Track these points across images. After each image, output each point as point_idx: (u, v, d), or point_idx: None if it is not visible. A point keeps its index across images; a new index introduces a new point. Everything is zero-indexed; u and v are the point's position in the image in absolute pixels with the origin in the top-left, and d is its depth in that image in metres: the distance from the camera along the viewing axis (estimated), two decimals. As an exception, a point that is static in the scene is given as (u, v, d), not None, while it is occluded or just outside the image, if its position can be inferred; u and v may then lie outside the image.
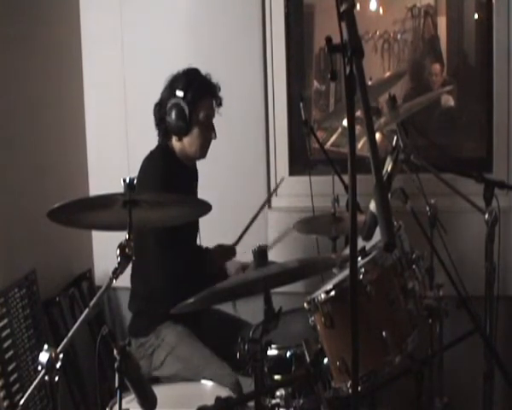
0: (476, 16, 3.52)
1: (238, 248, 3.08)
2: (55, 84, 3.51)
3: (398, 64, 3.67)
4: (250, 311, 2.72)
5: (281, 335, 2.27)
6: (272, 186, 3.61)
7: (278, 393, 2.17)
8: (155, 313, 2.85)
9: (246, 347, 1.98)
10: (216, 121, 2.92)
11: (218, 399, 1.95)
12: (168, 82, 2.86)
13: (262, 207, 3.25)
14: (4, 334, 2.91)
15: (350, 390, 2.07)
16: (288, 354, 2.38)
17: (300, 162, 3.58)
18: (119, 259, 1.82)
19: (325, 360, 2.13)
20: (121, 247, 1.83)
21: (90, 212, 1.96)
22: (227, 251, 3.06)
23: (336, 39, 1.30)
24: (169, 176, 2.80)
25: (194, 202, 2.33)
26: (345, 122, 3.33)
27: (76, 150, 3.74)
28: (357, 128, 1.32)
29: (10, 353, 2.92)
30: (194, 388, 2.40)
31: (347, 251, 1.38)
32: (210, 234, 3.03)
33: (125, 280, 2.28)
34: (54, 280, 3.40)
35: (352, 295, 1.35)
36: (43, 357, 1.66)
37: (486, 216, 2.48)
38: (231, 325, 2.95)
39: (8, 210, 3.08)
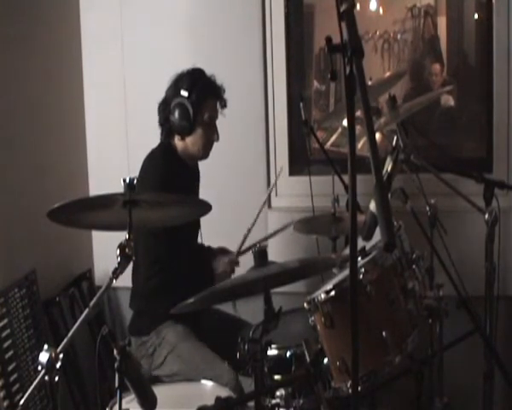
0: (476, 16, 3.52)
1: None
2: (55, 84, 3.51)
3: (398, 64, 3.67)
4: (250, 311, 2.72)
5: (281, 335, 2.27)
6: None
7: (278, 393, 2.17)
8: (156, 313, 2.85)
9: (246, 347, 1.98)
10: (217, 121, 2.92)
11: (218, 399, 1.95)
12: (173, 81, 2.86)
13: (263, 206, 3.24)
14: (4, 334, 2.91)
15: (350, 390, 2.07)
16: (288, 354, 2.37)
17: (300, 162, 3.58)
18: (119, 259, 1.82)
19: (325, 360, 2.13)
20: (121, 247, 1.83)
21: (90, 212, 1.96)
22: (229, 262, 3.01)
23: (336, 39, 1.30)
24: (170, 175, 2.80)
25: (194, 202, 2.34)
26: (345, 122, 3.33)
27: (76, 150, 3.74)
28: (357, 128, 1.32)
29: (10, 353, 2.92)
30: (194, 388, 2.40)
31: (347, 251, 1.38)
32: (210, 234, 3.03)
33: (125, 280, 2.27)
34: (54, 280, 3.40)
35: (352, 295, 1.35)
36: (43, 357, 1.66)
37: (486, 216, 2.48)
38: (231, 325, 2.95)
39: (8, 210, 3.08)
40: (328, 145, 3.70)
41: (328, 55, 1.31)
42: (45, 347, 1.69)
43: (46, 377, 1.66)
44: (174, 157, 2.89)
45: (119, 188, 1.89)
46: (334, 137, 3.76)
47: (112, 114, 3.74)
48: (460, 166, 3.09)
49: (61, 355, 1.68)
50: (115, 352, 1.76)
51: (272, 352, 2.38)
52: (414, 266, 2.29)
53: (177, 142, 2.89)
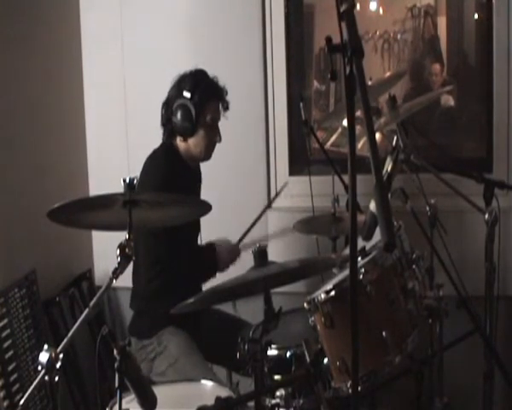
0: (476, 16, 3.52)
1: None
2: (55, 84, 3.51)
3: (398, 64, 3.67)
4: (250, 311, 2.72)
5: (281, 335, 2.27)
6: (272, 186, 3.62)
7: (278, 393, 2.17)
8: (157, 314, 2.84)
9: (246, 347, 1.98)
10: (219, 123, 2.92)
11: (218, 399, 1.95)
12: (175, 82, 2.86)
13: (265, 209, 3.24)
14: (4, 334, 2.91)
15: (350, 390, 2.07)
16: (288, 354, 2.37)
17: (300, 162, 3.58)
18: (119, 259, 1.82)
19: (325, 360, 2.13)
20: (121, 247, 1.83)
21: (90, 212, 1.96)
22: (232, 250, 3.02)
23: (336, 39, 1.30)
24: (171, 175, 2.80)
25: (195, 202, 2.33)
26: (345, 122, 3.33)
27: (76, 150, 3.74)
28: (357, 128, 1.32)
29: (10, 353, 2.92)
30: (194, 388, 2.40)
31: (347, 251, 1.38)
32: (210, 234, 3.03)
33: (125, 280, 2.27)
34: (54, 280, 3.40)
35: (352, 295, 1.35)
36: (43, 357, 1.66)
37: (486, 216, 2.47)
38: (231, 325, 2.94)
39: (8, 210, 3.08)
40: (328, 145, 3.70)
41: (328, 55, 1.31)
42: (45, 347, 1.69)
43: (46, 377, 1.66)
44: (176, 158, 2.89)
45: (119, 188, 1.89)
46: (334, 137, 3.76)
47: (112, 114, 3.74)
48: (460, 166, 3.09)
49: (61, 355, 1.68)
50: (115, 352, 1.76)
51: (272, 352, 2.38)
52: (414, 266, 2.29)
53: (179, 143, 2.89)
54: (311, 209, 3.21)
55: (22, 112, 3.22)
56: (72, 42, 3.71)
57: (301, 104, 3.06)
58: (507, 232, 2.95)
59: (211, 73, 2.89)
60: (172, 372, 2.76)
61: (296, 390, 2.26)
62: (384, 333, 2.05)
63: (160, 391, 1.91)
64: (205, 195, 2.97)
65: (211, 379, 2.41)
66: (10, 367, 2.91)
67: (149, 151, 2.93)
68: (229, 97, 2.93)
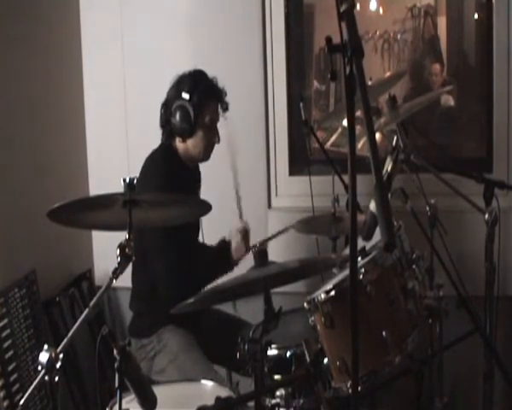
0: (476, 16, 3.52)
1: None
2: (55, 84, 3.51)
3: (398, 64, 3.66)
4: (250, 311, 2.72)
5: (281, 335, 2.26)
6: (272, 186, 3.62)
7: (278, 393, 2.17)
8: (156, 314, 2.84)
9: (246, 347, 1.98)
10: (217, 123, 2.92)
11: (218, 399, 1.95)
12: (174, 83, 2.85)
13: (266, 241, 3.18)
14: (4, 334, 2.91)
15: (350, 390, 2.07)
16: (288, 354, 2.37)
17: (300, 162, 3.58)
18: (119, 259, 1.82)
19: (325, 360, 2.13)
20: (121, 247, 1.83)
21: (90, 212, 1.96)
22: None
23: (336, 39, 1.30)
24: (170, 176, 2.80)
25: (195, 202, 2.33)
26: (345, 122, 3.32)
27: (76, 150, 3.74)
28: (357, 128, 1.32)
29: (10, 353, 2.92)
30: (194, 388, 2.40)
31: (347, 251, 1.38)
32: (210, 234, 3.03)
33: (125, 280, 2.27)
34: (54, 280, 3.40)
35: (352, 295, 1.35)
36: (43, 357, 1.66)
37: (486, 216, 2.47)
38: (231, 325, 2.95)
39: (8, 210, 3.08)
40: (328, 145, 3.69)
41: (328, 55, 1.31)
42: (45, 347, 1.69)
43: (46, 377, 1.66)
44: (175, 159, 2.89)
45: (119, 188, 1.89)
46: (334, 137, 3.76)
47: (112, 114, 3.74)
48: (460, 166, 3.08)
49: (61, 355, 1.68)
50: (115, 352, 1.76)
51: (272, 352, 2.38)
52: (414, 266, 2.29)
53: (178, 144, 2.89)
54: (311, 209, 3.21)
55: (22, 112, 3.22)
56: (72, 42, 3.71)
57: (301, 104, 3.06)
58: (507, 232, 2.95)
59: (211, 73, 2.89)
60: (173, 369, 2.76)
61: (296, 390, 2.26)
62: (384, 333, 2.05)
63: (159, 391, 1.91)
64: (205, 194, 2.96)
65: (211, 378, 2.41)
66: (10, 367, 2.91)
67: (149, 151, 2.93)
68: (229, 97, 2.93)
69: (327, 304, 2.09)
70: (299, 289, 2.69)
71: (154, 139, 2.94)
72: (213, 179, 3.17)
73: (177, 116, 2.80)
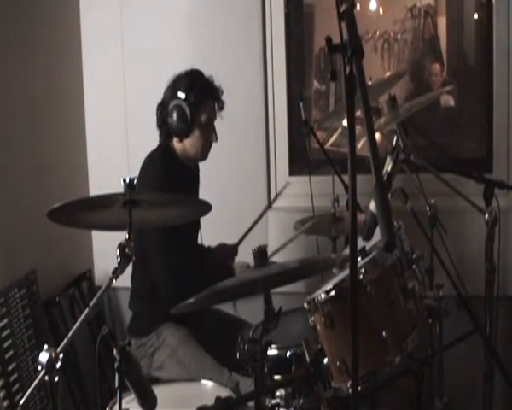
0: (476, 16, 3.52)
1: (240, 249, 3.08)
2: (55, 84, 3.51)
3: (398, 64, 3.67)
4: (250, 311, 2.72)
5: (281, 335, 2.26)
6: (272, 186, 3.62)
7: (278, 393, 2.17)
8: (156, 314, 2.85)
9: (246, 347, 1.98)
10: (216, 121, 2.92)
11: (218, 399, 1.95)
12: (170, 83, 2.86)
13: (265, 210, 3.23)
14: (4, 334, 2.91)
15: (350, 390, 2.07)
16: (288, 354, 2.37)
17: (300, 162, 3.58)
18: (119, 259, 1.82)
19: (325, 360, 2.13)
20: (121, 247, 1.83)
21: (90, 212, 1.96)
22: (229, 250, 3.06)
23: (336, 39, 1.30)
24: (169, 176, 2.80)
25: (194, 202, 2.33)
26: (345, 122, 3.32)
27: (76, 150, 3.74)
28: (357, 128, 1.32)
29: (10, 353, 2.92)
30: (194, 388, 2.40)
31: (347, 251, 1.38)
32: (210, 234, 3.03)
33: (125, 280, 2.28)
34: (54, 280, 3.40)
35: (352, 295, 1.35)
36: (43, 357, 1.66)
37: (486, 216, 2.47)
38: (231, 325, 2.95)
39: (8, 210, 3.08)
40: (328, 145, 3.70)
41: (328, 55, 1.31)
42: (45, 347, 1.69)
43: (46, 377, 1.66)
44: (173, 159, 2.89)
45: (119, 188, 1.89)
46: (334, 137, 3.76)
47: (112, 114, 3.74)
48: (460, 166, 3.08)
49: (61, 355, 1.68)
50: (115, 352, 1.76)
51: (272, 352, 2.38)
52: (414, 266, 2.29)
53: (176, 143, 2.89)
54: (311, 209, 3.21)
55: (22, 112, 3.22)
56: (72, 42, 3.71)
57: (301, 104, 3.06)
58: (507, 232, 2.95)
59: (211, 73, 2.89)
60: (172, 363, 2.77)
61: (296, 390, 2.26)
62: (384, 333, 2.05)
63: (159, 391, 1.91)
64: (205, 195, 2.95)
65: (210, 370, 2.40)
66: (10, 367, 2.90)
67: (149, 151, 2.93)
68: (229, 97, 2.93)
69: (327, 304, 2.09)
70: (299, 289, 2.69)
71: (154, 139, 2.94)
72: (213, 179, 3.17)
73: (174, 116, 2.80)
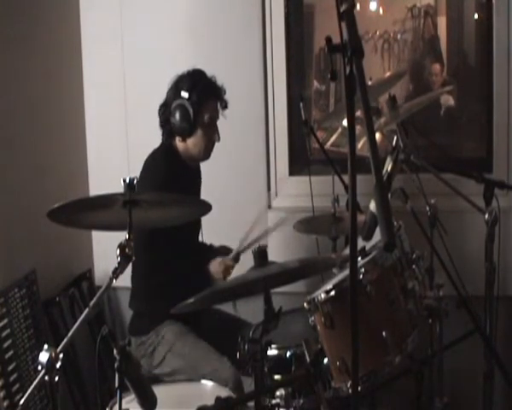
0: (476, 16, 3.52)
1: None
2: (55, 84, 3.51)
3: (398, 64, 3.66)
4: (250, 311, 2.72)
5: (281, 335, 2.26)
6: (272, 186, 3.62)
7: (278, 393, 2.17)
8: (156, 313, 2.85)
9: (246, 347, 1.98)
10: (217, 122, 2.92)
11: (218, 399, 1.95)
12: (173, 82, 2.86)
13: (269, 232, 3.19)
14: (4, 334, 2.91)
15: (350, 390, 2.07)
16: (288, 354, 2.37)
17: (300, 162, 3.58)
18: (119, 259, 1.82)
19: (325, 360, 2.13)
20: (121, 247, 1.83)
21: (90, 212, 1.96)
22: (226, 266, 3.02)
23: (336, 39, 1.30)
24: (171, 175, 2.80)
25: (194, 202, 2.33)
26: (345, 122, 3.32)
27: (76, 150, 3.74)
28: (357, 128, 1.32)
29: (10, 353, 2.92)
30: (194, 388, 2.40)
31: (347, 251, 1.38)
32: (210, 234, 3.03)
33: (125, 280, 2.28)
34: (54, 280, 3.40)
35: (352, 295, 1.35)
36: (43, 357, 1.66)
37: (486, 216, 2.47)
38: (231, 324, 2.95)
39: (8, 210, 3.08)
40: (328, 145, 3.69)
41: (328, 55, 1.31)
42: (45, 347, 1.69)
43: (46, 377, 1.66)
44: (175, 158, 2.89)
45: (119, 188, 1.89)
46: (334, 137, 3.76)
47: (112, 114, 3.74)
48: (460, 166, 3.08)
49: (61, 355, 1.68)
50: (115, 352, 1.76)
51: (272, 352, 2.38)
52: (414, 266, 2.29)
53: (178, 143, 2.89)
54: (311, 209, 3.21)
55: (22, 112, 3.22)
56: (72, 42, 3.71)
57: (301, 104, 3.07)
58: (507, 232, 2.95)
59: (211, 72, 2.90)
60: (172, 357, 2.78)
61: (296, 390, 2.26)
62: (384, 333, 2.05)
63: (159, 391, 1.92)
64: (205, 195, 2.97)
65: (210, 359, 2.39)
66: (10, 367, 2.90)
67: (149, 151, 2.94)
68: (229, 97, 2.93)
69: (327, 304, 2.09)
70: (299, 289, 2.69)
71: (154, 139, 2.95)
72: (213, 179, 3.17)
73: (177, 115, 2.81)
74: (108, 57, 3.71)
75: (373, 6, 3.64)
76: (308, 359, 2.06)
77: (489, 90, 3.38)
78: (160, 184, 2.77)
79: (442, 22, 3.60)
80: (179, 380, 2.63)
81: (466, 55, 3.67)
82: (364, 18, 3.63)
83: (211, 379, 2.43)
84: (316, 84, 3.79)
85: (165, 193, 2.38)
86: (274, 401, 2.19)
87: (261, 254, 2.01)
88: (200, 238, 3.07)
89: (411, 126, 2.56)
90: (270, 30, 3.56)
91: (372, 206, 1.98)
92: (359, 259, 2.17)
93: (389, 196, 2.36)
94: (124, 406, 1.85)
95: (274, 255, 2.16)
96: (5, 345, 2.90)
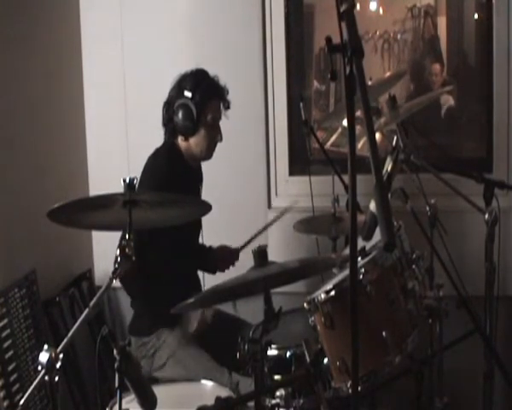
0: (476, 16, 3.52)
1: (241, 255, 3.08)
2: (55, 84, 3.51)
3: (398, 64, 3.66)
4: (250, 311, 2.72)
5: (281, 335, 2.26)
6: (272, 186, 3.62)
7: (278, 393, 2.17)
8: (157, 313, 2.85)
9: (246, 347, 1.98)
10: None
11: (218, 399, 1.95)
12: (176, 82, 2.86)
13: (271, 223, 3.22)
14: (4, 334, 2.91)
15: (350, 390, 2.07)
16: (288, 354, 2.37)
17: (300, 162, 3.58)
18: (119, 259, 1.82)
19: (325, 360, 2.13)
20: (121, 247, 1.83)
21: (90, 212, 1.96)
22: (230, 253, 3.05)
23: (336, 39, 1.30)
24: (172, 175, 2.80)
25: (195, 202, 2.33)
26: (345, 122, 3.32)
27: (76, 150, 3.74)
28: (357, 128, 1.32)
29: (10, 353, 2.92)
30: (194, 388, 2.40)
31: (347, 251, 1.38)
32: (210, 234, 3.03)
33: (125, 280, 2.28)
34: (54, 280, 3.40)
35: (352, 295, 1.35)
36: (43, 357, 1.66)
37: (486, 216, 2.47)
38: (231, 324, 2.95)
39: (8, 210, 3.08)
40: (328, 145, 3.69)
41: (328, 55, 1.31)
42: (45, 347, 1.69)
43: (46, 377, 1.66)
44: (178, 158, 2.89)
45: (119, 188, 1.89)
46: (334, 137, 3.76)
47: (112, 114, 3.74)
48: (460, 166, 3.09)
49: (61, 355, 1.68)
50: (115, 352, 1.76)
51: (272, 352, 2.38)
52: (414, 266, 2.28)
53: (181, 142, 2.89)
54: (311, 209, 3.21)
55: (22, 112, 3.22)
56: (72, 42, 3.71)
57: (301, 104, 3.07)
58: (507, 232, 2.95)
59: (211, 72, 2.90)
60: (172, 363, 2.78)
61: (296, 390, 2.26)
62: (384, 333, 2.05)
63: (160, 391, 1.92)
64: (205, 195, 2.97)
65: (210, 371, 2.40)
66: (10, 367, 2.90)
67: (149, 151, 2.93)
68: (229, 97, 2.93)
69: (327, 304, 2.09)
70: (299, 289, 2.69)
71: (154, 139, 2.94)
72: (213, 179, 3.17)
73: (180, 114, 2.81)
74: (108, 57, 3.71)
75: (373, 6, 3.64)
76: (308, 359, 2.06)
77: (489, 90, 3.38)
78: (161, 184, 2.77)
79: (442, 22, 3.60)
80: (179, 380, 2.63)
81: (466, 55, 3.67)
82: (364, 18, 3.63)
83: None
84: (316, 84, 3.79)
85: (166, 193, 2.39)
86: (274, 401, 2.19)
87: (261, 254, 2.01)
88: (200, 240, 3.07)
89: (411, 126, 2.56)
90: (270, 30, 3.57)
91: (372, 206, 1.98)
92: (359, 259, 2.17)
93: (389, 196, 2.36)
94: (124, 406, 1.85)
95: (274, 255, 2.16)
96: (5, 345, 2.90)
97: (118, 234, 1.88)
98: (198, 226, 3.00)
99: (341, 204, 3.02)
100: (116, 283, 1.85)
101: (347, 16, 1.29)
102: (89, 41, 3.75)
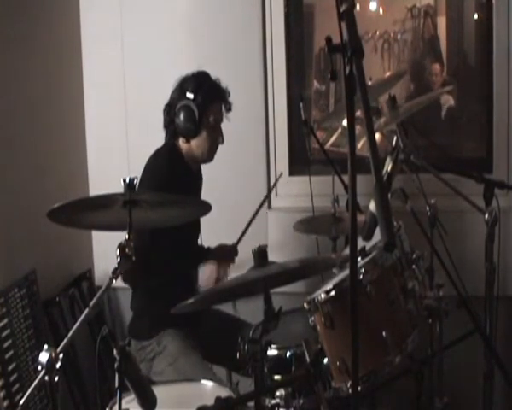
0: (476, 16, 3.52)
1: (240, 249, 3.08)
2: (55, 84, 3.51)
3: (398, 64, 3.67)
4: (250, 311, 2.72)
5: (281, 335, 2.26)
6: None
7: (278, 393, 2.17)
8: (156, 314, 2.84)
9: (246, 347, 1.98)
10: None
11: (218, 399, 1.94)
12: (177, 84, 2.86)
13: (262, 204, 3.25)
14: (4, 334, 2.91)
15: (350, 390, 2.07)
16: (288, 354, 2.37)
17: (300, 162, 3.58)
18: (119, 259, 1.82)
19: (325, 360, 2.13)
20: (121, 247, 1.83)
21: (90, 212, 1.96)
22: (229, 251, 3.06)
23: (336, 39, 1.30)
24: (173, 176, 2.80)
25: (194, 202, 2.34)
26: (345, 122, 3.33)
27: (76, 150, 3.74)
28: (357, 128, 1.32)
29: (10, 353, 2.92)
30: (194, 388, 2.40)
31: (347, 251, 1.38)
32: (210, 234, 3.03)
33: (125, 280, 2.28)
34: (54, 280, 3.40)
35: (352, 295, 1.35)
36: (43, 357, 1.66)
37: (486, 216, 2.47)
38: (231, 325, 2.95)
39: (8, 210, 3.08)
40: (328, 145, 3.70)
41: (328, 55, 1.31)
42: (45, 347, 1.69)
43: (46, 377, 1.66)
44: (178, 159, 2.89)
45: (119, 188, 1.89)
46: (334, 137, 3.76)
47: (112, 114, 3.74)
48: (460, 166, 3.08)
49: (61, 355, 1.68)
50: (115, 352, 1.76)
51: (272, 352, 2.38)
52: (414, 266, 2.29)
53: (182, 144, 2.88)
54: (311, 209, 3.21)
55: (22, 112, 3.22)
56: (72, 42, 3.71)
57: (301, 104, 3.06)
58: (507, 232, 2.95)
59: (211, 72, 2.89)
60: (172, 371, 2.76)
61: (296, 390, 2.26)
62: (384, 333, 2.05)
63: (159, 391, 1.91)
64: (205, 195, 2.97)
65: (210, 379, 2.41)
66: (10, 367, 2.91)
67: (149, 151, 2.93)
68: (230, 98, 2.93)
69: (327, 304, 2.09)
70: (299, 289, 2.69)
71: (154, 139, 2.94)
72: (213, 179, 3.17)
73: (182, 116, 2.81)
74: (108, 57, 3.71)
75: (373, 6, 3.64)
76: (308, 359, 2.06)
77: (489, 90, 3.38)
78: (161, 185, 2.77)
79: (442, 22, 3.60)
80: (179, 380, 2.62)
81: (466, 55, 3.67)
82: (364, 18, 3.63)
83: None
84: (316, 84, 3.80)
85: (166, 193, 2.39)
86: (274, 401, 2.19)
87: (261, 254, 2.01)
88: (199, 241, 3.07)
89: (411, 126, 2.56)
90: (270, 30, 3.57)
91: (372, 206, 1.98)
92: (359, 259, 2.17)
93: (389, 196, 2.36)
94: (124, 406, 1.85)
95: (274, 255, 2.16)
96: (5, 345, 2.90)
97: (118, 234, 1.88)
98: (197, 228, 3.00)
99: (341, 204, 3.02)
100: (116, 283, 1.84)
101: (347, 16, 1.29)
102: (89, 41, 3.75)
